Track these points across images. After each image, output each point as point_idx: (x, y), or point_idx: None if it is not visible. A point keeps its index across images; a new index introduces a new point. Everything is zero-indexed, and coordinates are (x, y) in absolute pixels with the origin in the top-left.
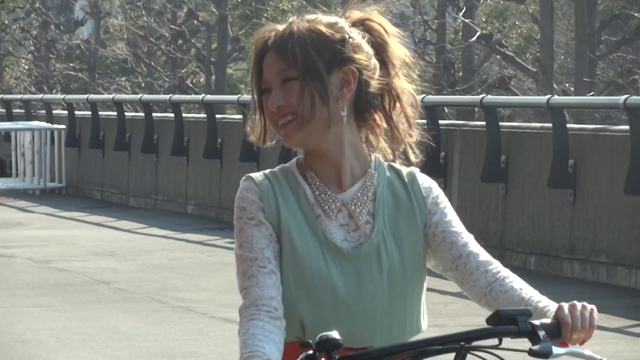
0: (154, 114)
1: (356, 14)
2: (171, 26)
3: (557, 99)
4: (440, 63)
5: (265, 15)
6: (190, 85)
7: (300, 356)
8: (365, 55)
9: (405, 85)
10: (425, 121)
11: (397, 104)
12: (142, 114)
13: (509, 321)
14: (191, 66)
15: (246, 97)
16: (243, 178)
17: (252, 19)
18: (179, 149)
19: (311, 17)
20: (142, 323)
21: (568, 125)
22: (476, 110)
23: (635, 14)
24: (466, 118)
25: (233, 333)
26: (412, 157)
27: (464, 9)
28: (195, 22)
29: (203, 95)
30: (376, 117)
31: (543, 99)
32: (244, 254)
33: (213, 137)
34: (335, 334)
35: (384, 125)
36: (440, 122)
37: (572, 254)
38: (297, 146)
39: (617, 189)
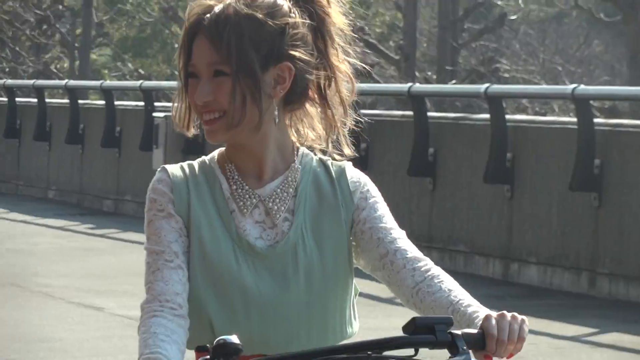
0: (17, 99)
1: None
2: (36, 11)
3: (418, 87)
4: None
5: (129, 1)
6: (55, 70)
7: None
8: (304, 49)
9: (342, 66)
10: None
11: (332, 84)
12: (6, 99)
13: (426, 330)
14: (55, 51)
15: (109, 83)
16: (158, 169)
17: (116, 4)
18: (41, 134)
19: None
20: (1, 308)
21: (429, 114)
22: None
23: (499, 2)
24: None
25: (91, 318)
26: (346, 150)
27: None
28: (60, 7)
29: (66, 80)
30: (307, 102)
31: (404, 86)
32: (150, 247)
33: (75, 122)
34: (234, 338)
35: (317, 109)
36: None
37: (431, 243)
38: (219, 143)
39: (477, 178)
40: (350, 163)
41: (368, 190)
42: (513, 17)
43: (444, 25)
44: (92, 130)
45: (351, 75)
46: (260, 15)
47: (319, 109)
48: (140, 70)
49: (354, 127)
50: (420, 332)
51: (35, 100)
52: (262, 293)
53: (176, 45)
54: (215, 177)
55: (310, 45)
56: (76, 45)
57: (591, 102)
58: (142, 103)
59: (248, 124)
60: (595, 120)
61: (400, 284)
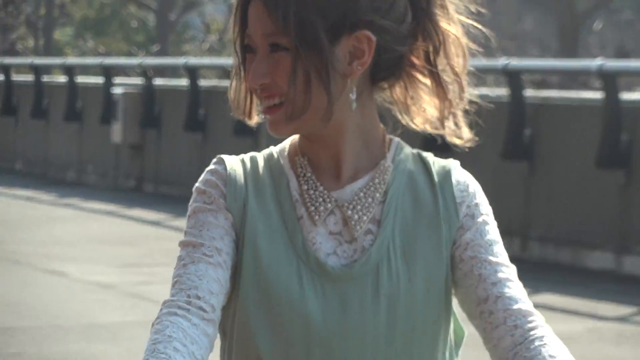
0: None
1: None
2: None
3: (515, 64)
4: None
5: None
6: (20, 49)
7: None
8: (390, 12)
9: (450, 28)
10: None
11: (442, 53)
12: None
13: None
14: (21, 31)
15: (71, 60)
16: (214, 159)
17: None
18: (8, 109)
19: None
20: None
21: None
22: None
23: None
24: None
25: (55, 283)
26: (466, 134)
27: None
28: None
29: (31, 59)
30: (414, 71)
31: (498, 63)
32: (187, 239)
33: (40, 98)
34: None
35: (424, 75)
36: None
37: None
38: (284, 136)
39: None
40: (457, 162)
41: (477, 205)
42: None
43: None
44: (56, 106)
45: (463, 43)
46: None
47: (428, 82)
48: (100, 48)
49: (470, 108)
50: None
51: (2, 77)
52: (330, 326)
53: (134, 24)
54: (283, 173)
55: (401, 6)
56: (40, 25)
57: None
58: (101, 79)
59: (315, 112)
60: (526, 93)
61: (496, 343)
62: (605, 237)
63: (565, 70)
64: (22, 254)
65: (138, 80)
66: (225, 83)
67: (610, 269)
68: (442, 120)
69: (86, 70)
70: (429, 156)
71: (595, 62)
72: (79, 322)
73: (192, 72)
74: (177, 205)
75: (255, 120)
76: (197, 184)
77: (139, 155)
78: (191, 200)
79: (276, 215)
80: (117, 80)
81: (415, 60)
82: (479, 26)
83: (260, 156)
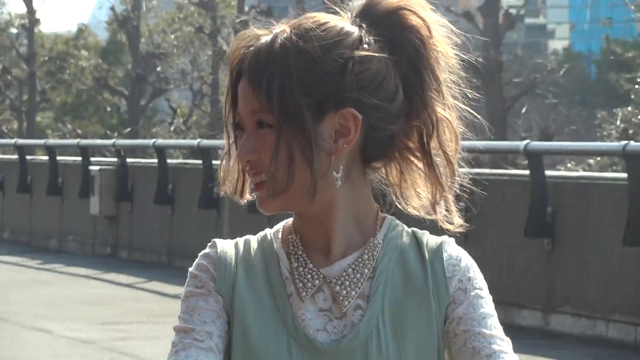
0: None
1: (383, 3)
2: None
3: (534, 144)
4: (214, 112)
5: (67, 72)
6: (5, 130)
7: None
8: (377, 91)
9: (446, 114)
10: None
11: (435, 138)
12: None
13: None
14: (6, 115)
15: (52, 141)
16: (209, 244)
17: (56, 75)
18: None
19: (309, 23)
20: None
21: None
22: None
23: None
24: None
25: (41, 339)
26: (456, 219)
27: None
28: (9, 77)
29: (15, 139)
30: (408, 154)
31: (520, 144)
32: (179, 325)
33: (24, 175)
34: None
35: (418, 159)
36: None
37: None
38: (272, 213)
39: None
40: (452, 239)
41: (469, 279)
42: None
43: None
44: (39, 181)
45: (455, 127)
46: (314, 49)
47: (422, 166)
48: (78, 130)
49: (463, 192)
50: None
51: None
52: None
53: (108, 109)
54: (274, 253)
55: (391, 85)
56: (23, 109)
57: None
58: (79, 158)
59: (299, 189)
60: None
61: None
62: (533, 297)
63: (496, 150)
64: (11, 313)
65: (112, 159)
66: (190, 161)
67: (539, 326)
68: (434, 205)
69: (66, 150)
70: (423, 234)
71: (523, 143)
72: None
73: (161, 152)
74: (149, 269)
75: (246, 198)
76: (190, 269)
77: (114, 225)
78: (185, 284)
79: (266, 294)
80: (94, 158)
81: (410, 144)
82: (473, 112)
83: (254, 238)
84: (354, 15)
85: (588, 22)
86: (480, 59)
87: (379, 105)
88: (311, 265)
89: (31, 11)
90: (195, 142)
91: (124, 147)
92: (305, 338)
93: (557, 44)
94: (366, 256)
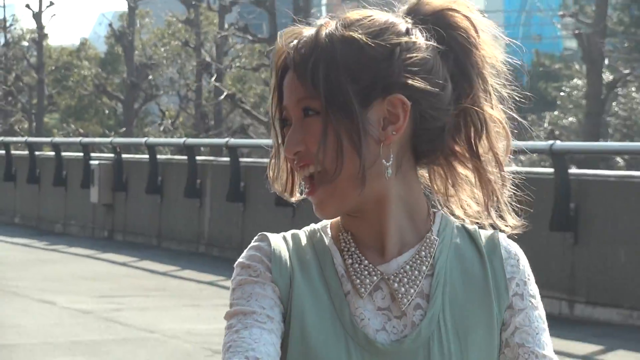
0: None
1: (431, 3)
2: (3, 87)
3: (559, 144)
4: (198, 115)
5: (71, 79)
6: (17, 130)
7: None
8: (427, 77)
9: (495, 113)
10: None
11: (484, 138)
12: None
13: None
14: (18, 116)
15: (58, 139)
16: (255, 237)
17: (62, 81)
18: (8, 176)
19: (354, 16)
20: None
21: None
22: (223, 150)
23: None
24: (215, 154)
25: (47, 310)
26: (511, 220)
27: (216, 75)
28: (21, 83)
29: (26, 137)
30: (456, 161)
31: (546, 144)
32: (237, 308)
33: (33, 168)
34: None
35: (465, 166)
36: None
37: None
38: (333, 217)
39: None
40: (504, 234)
41: (526, 283)
42: None
43: None
44: (46, 174)
45: (505, 126)
46: (360, 36)
47: (470, 174)
48: (80, 130)
49: (515, 193)
50: None
51: (4, 152)
52: None
53: (107, 112)
54: (326, 249)
55: (441, 74)
56: (33, 111)
57: None
58: (81, 154)
59: (348, 178)
60: None
61: None
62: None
63: None
64: (20, 287)
65: (110, 155)
66: (177, 157)
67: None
68: (487, 209)
69: (69, 147)
70: (474, 228)
71: None
72: (65, 339)
73: (151, 149)
74: (141, 250)
75: (296, 197)
76: (240, 260)
77: (110, 212)
78: (234, 275)
79: (323, 291)
80: (94, 154)
81: (456, 148)
82: (519, 118)
83: (302, 233)
84: (400, 15)
85: (520, 38)
86: None
87: (428, 91)
88: (367, 262)
89: (40, 27)
90: (181, 140)
91: (119, 145)
92: (365, 338)
93: None
94: (423, 253)
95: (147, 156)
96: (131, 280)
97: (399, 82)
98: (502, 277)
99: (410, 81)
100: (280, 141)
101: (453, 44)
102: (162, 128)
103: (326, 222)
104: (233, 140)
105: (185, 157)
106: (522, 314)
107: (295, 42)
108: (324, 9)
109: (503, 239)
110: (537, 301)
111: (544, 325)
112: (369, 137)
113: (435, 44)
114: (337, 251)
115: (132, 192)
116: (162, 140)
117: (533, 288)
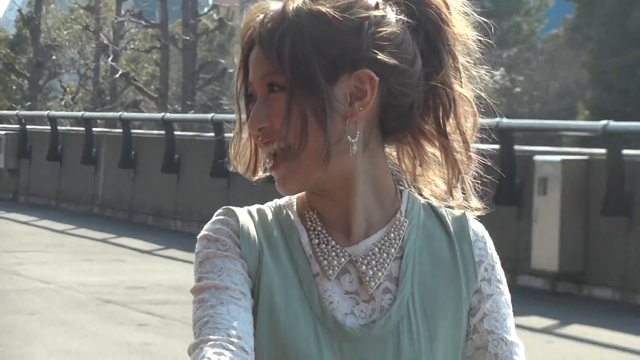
0: None
1: None
2: None
3: (169, 115)
4: (95, 91)
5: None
6: None
7: None
8: (395, 52)
9: (464, 92)
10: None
11: (452, 116)
12: None
13: None
14: None
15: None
16: (219, 210)
17: None
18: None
19: None
20: None
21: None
22: (117, 123)
23: (221, 60)
24: (110, 126)
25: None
26: (474, 203)
27: (112, 56)
28: None
29: None
30: (423, 139)
31: (159, 115)
32: (208, 282)
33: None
34: None
35: (433, 145)
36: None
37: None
38: (296, 193)
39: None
40: (470, 214)
41: (494, 268)
42: (231, 70)
43: (187, 75)
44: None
45: (473, 105)
46: (328, 10)
47: (437, 152)
48: None
49: (481, 174)
50: None
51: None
52: None
53: (14, 87)
54: (293, 227)
55: (410, 50)
56: None
57: None
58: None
59: (313, 155)
60: None
61: None
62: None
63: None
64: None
65: (16, 126)
66: (75, 128)
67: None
68: (451, 189)
69: None
70: (440, 207)
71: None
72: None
73: (53, 121)
74: (41, 211)
75: (259, 176)
76: (205, 232)
77: (15, 176)
78: (199, 247)
79: (291, 271)
80: (1, 125)
81: (424, 126)
82: (487, 98)
83: (267, 209)
84: None
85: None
86: None
87: (397, 67)
88: (334, 242)
89: None
90: (79, 113)
91: (25, 117)
92: (334, 322)
93: None
94: (392, 235)
95: (49, 127)
96: (32, 237)
97: (367, 57)
98: (470, 261)
99: (378, 56)
100: (245, 118)
101: (424, 20)
102: (63, 103)
103: (291, 199)
104: (126, 114)
105: (83, 129)
106: (491, 299)
107: (261, 16)
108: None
109: (471, 220)
110: (504, 286)
111: (510, 310)
112: (334, 113)
113: (405, 19)
114: (303, 230)
115: (35, 159)
116: (63, 113)
117: (500, 272)
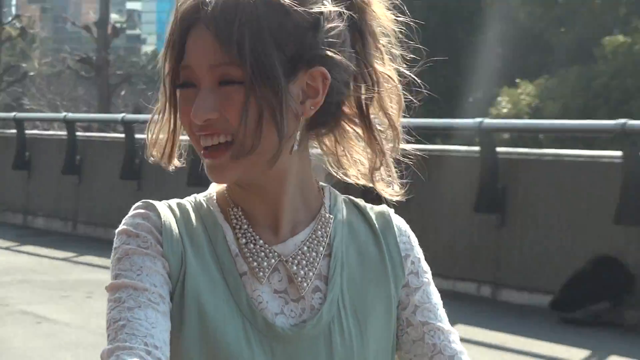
0: None
1: None
2: None
3: (71, 115)
4: None
5: None
6: None
7: None
8: (343, 50)
9: (386, 71)
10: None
11: (376, 97)
12: None
13: None
14: None
15: None
16: (138, 203)
17: None
18: None
19: None
20: None
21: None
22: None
23: (23, 65)
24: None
25: None
26: (395, 187)
27: None
28: None
29: None
30: (345, 121)
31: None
32: (125, 281)
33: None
34: None
35: (355, 124)
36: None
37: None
38: (229, 183)
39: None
40: (392, 209)
41: (419, 261)
42: (32, 74)
43: None
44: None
45: (397, 88)
46: (285, 1)
47: (360, 132)
48: None
49: (405, 159)
50: None
51: None
52: None
53: None
54: (217, 224)
55: (350, 45)
56: None
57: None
58: None
59: (262, 154)
60: None
61: None
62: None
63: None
64: None
65: None
66: None
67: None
68: (373, 171)
69: None
70: (360, 201)
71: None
72: None
73: None
74: None
75: (175, 164)
76: (125, 227)
77: None
78: (118, 243)
79: (215, 270)
80: None
81: (347, 110)
82: (415, 77)
83: (188, 204)
84: None
85: None
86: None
87: (344, 65)
88: (262, 242)
89: None
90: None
91: None
92: (264, 322)
93: (147, 48)
94: (319, 232)
95: None
96: None
97: (321, 54)
98: (397, 255)
99: (330, 53)
100: (167, 101)
101: (349, 6)
102: None
103: (210, 193)
104: (20, 114)
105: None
106: (420, 291)
107: None
108: None
109: (393, 215)
110: (430, 275)
111: (440, 300)
112: (289, 112)
113: (345, 11)
114: (229, 228)
115: None
116: None
117: (425, 265)
